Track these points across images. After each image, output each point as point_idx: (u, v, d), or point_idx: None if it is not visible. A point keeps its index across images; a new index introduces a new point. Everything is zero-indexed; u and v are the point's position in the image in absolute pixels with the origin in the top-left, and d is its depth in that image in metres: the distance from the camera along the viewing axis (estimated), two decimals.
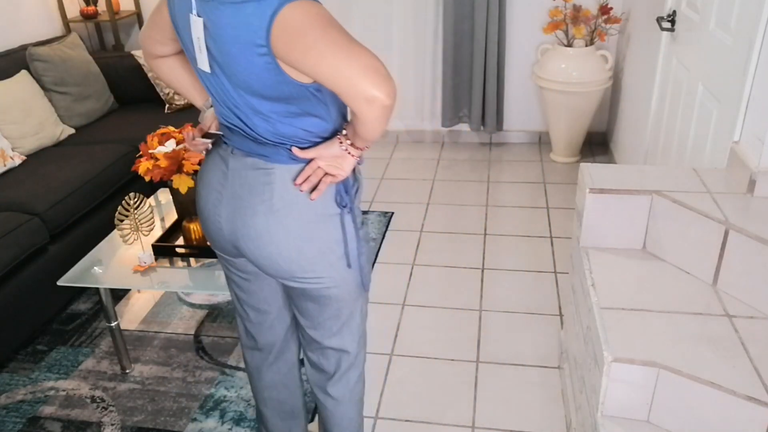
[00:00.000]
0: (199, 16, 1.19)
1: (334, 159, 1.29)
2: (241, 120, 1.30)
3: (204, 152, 1.49)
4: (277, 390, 1.75)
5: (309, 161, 1.30)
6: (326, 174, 1.30)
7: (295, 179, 1.30)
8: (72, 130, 3.38)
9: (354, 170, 1.37)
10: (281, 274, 1.40)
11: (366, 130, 1.21)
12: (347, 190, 1.35)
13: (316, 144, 1.31)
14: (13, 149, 2.98)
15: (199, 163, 2.28)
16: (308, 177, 1.29)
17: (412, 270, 2.88)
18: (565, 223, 3.20)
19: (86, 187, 2.83)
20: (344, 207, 1.35)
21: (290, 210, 1.31)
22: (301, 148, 1.29)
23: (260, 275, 1.53)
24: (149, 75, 3.60)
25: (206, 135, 1.49)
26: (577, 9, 3.55)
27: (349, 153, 1.29)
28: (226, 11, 1.14)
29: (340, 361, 1.59)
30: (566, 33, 3.61)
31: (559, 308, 2.57)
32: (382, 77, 1.11)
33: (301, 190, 1.30)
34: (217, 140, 1.43)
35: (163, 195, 2.68)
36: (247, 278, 1.55)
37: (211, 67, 1.24)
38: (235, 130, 1.33)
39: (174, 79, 1.50)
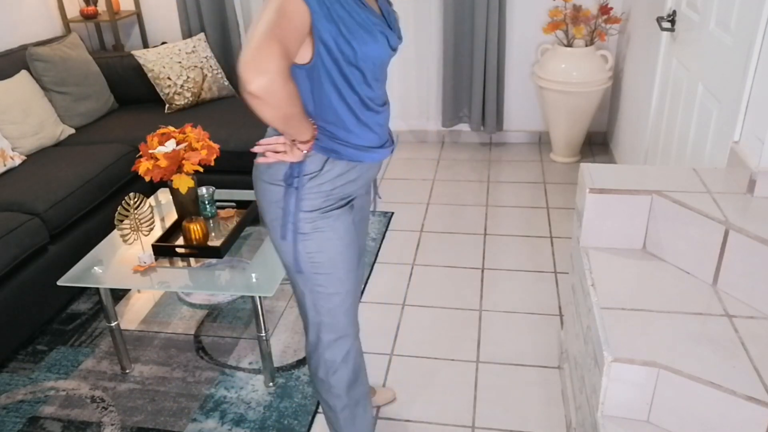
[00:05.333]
0: None
1: (291, 142, 1.42)
2: None
3: None
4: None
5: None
6: (282, 151, 1.44)
7: None
8: (72, 130, 3.38)
9: (324, 163, 1.47)
10: None
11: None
12: (296, 173, 1.47)
13: None
14: (13, 149, 2.98)
15: (199, 163, 2.28)
16: (267, 144, 1.45)
17: (412, 270, 2.88)
18: (565, 223, 3.20)
19: (86, 187, 2.83)
20: (289, 185, 1.48)
21: (257, 168, 1.54)
22: None
23: None
24: (149, 75, 3.60)
25: None
26: (577, 9, 3.55)
27: (294, 142, 1.41)
28: None
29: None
30: (566, 33, 3.61)
31: (559, 308, 2.57)
32: (256, 64, 1.19)
33: (251, 149, 1.48)
34: None
35: (163, 195, 2.68)
36: None
37: None
38: None
39: None
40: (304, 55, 1.34)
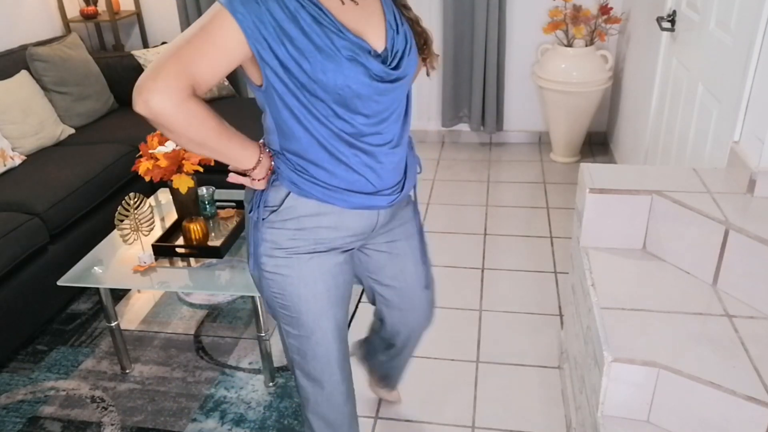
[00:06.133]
0: None
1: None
2: None
3: None
4: None
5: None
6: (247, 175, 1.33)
7: None
8: (72, 130, 3.38)
9: (285, 198, 1.32)
10: None
11: None
12: (256, 203, 1.35)
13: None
14: (13, 149, 2.98)
15: (199, 163, 2.28)
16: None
17: None
18: (565, 223, 3.20)
19: (86, 187, 2.83)
20: (250, 211, 1.37)
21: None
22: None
23: None
24: None
25: None
26: (577, 9, 3.55)
27: (247, 171, 1.30)
28: None
29: None
30: (566, 33, 3.61)
31: (559, 308, 2.57)
32: (145, 82, 1.08)
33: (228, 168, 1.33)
34: None
35: (163, 195, 2.69)
36: None
37: None
38: None
39: None
40: (256, 76, 1.22)
